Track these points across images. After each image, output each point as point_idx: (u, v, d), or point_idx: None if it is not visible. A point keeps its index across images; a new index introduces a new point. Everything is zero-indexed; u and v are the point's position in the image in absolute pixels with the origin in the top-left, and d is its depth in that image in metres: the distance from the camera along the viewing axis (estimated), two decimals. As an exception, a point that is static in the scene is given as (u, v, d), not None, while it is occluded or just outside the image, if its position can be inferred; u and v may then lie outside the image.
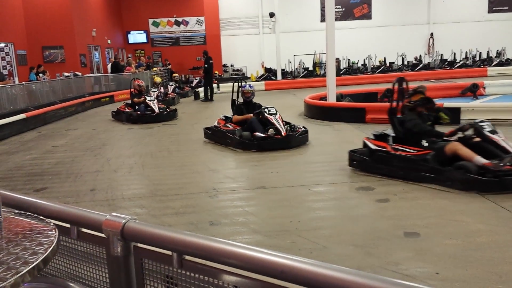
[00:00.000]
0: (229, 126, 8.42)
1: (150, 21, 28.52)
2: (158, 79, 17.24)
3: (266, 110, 8.24)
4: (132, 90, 13.16)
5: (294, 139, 7.94)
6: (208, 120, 11.72)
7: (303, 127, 8.36)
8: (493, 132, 5.27)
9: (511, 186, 4.76)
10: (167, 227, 1.68)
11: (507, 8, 29.06)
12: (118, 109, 13.06)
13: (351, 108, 10.74)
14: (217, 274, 1.37)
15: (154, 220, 4.58)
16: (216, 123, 8.82)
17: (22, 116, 11.86)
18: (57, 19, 19.70)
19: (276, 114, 8.16)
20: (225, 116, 8.97)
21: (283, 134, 7.85)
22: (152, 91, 15.17)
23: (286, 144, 7.76)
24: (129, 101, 14.33)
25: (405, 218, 4.30)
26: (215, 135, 8.70)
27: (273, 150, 7.54)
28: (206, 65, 17.20)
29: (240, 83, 9.17)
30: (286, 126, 8.17)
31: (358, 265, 3.34)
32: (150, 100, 12.50)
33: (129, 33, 28.53)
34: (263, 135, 7.79)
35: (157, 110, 12.19)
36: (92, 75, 20.98)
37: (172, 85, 18.51)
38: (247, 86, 8.87)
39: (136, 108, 12.49)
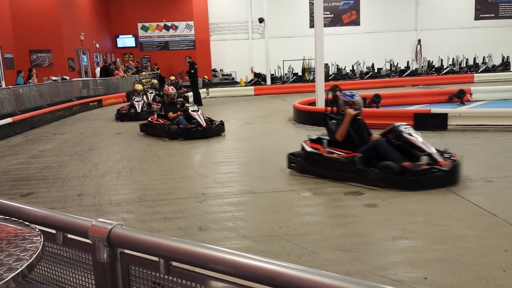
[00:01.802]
0: (336, 152, 5.91)
1: (139, 25, 28.48)
2: (139, 86, 14.87)
3: (402, 128, 5.82)
4: (164, 99, 11.34)
5: (458, 172, 5.49)
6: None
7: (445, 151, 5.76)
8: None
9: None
10: (154, 233, 1.67)
11: (493, 15, 29.53)
12: (149, 120, 10.70)
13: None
14: (204, 280, 1.36)
15: (142, 226, 4.54)
16: (308, 148, 6.16)
17: (8, 120, 11.73)
18: (45, 23, 19.58)
19: (416, 132, 5.84)
20: (317, 137, 6.32)
21: (441, 163, 5.37)
22: (136, 101, 13.83)
23: (452, 179, 5.39)
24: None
25: (393, 223, 4.33)
26: (319, 166, 6.00)
27: (436, 188, 5.23)
28: (192, 71, 17.26)
29: (335, 90, 6.44)
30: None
31: (347, 270, 3.34)
32: (193, 111, 10.04)
33: (118, 37, 28.44)
34: (418, 167, 5.28)
35: (203, 123, 9.82)
36: (80, 79, 20.86)
37: (152, 92, 15.90)
38: (356, 96, 6.14)
39: (172, 120, 10.25)
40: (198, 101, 17.29)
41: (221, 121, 10.39)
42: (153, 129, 10.38)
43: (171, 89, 11.00)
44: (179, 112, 10.23)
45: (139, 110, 13.58)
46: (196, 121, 9.85)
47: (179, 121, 9.94)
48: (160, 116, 10.68)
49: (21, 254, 1.25)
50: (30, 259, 1.22)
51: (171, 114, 10.28)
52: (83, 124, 13.66)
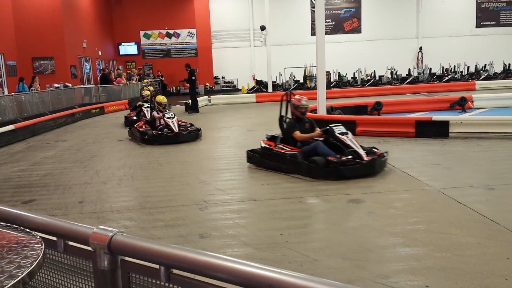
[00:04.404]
0: None
1: (142, 33, 28.63)
2: (163, 99, 11.50)
3: None
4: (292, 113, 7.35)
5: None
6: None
7: None
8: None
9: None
10: (155, 240, 1.67)
11: (494, 23, 29.62)
12: (265, 147, 7.13)
13: (342, 121, 10.76)
14: (205, 288, 1.36)
15: (143, 233, 4.54)
16: None
17: (10, 127, 11.75)
18: (47, 30, 19.68)
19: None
20: None
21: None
22: (168, 117, 10.42)
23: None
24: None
25: (394, 231, 4.31)
26: None
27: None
28: (193, 77, 17.37)
29: None
30: None
31: (348, 278, 3.33)
32: (341, 134, 6.68)
33: (120, 44, 28.58)
34: None
35: (364, 154, 6.36)
36: (82, 86, 20.95)
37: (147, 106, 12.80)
38: None
39: (298, 145, 6.91)
40: (195, 109, 17.40)
41: (374, 147, 6.82)
42: (277, 161, 6.88)
43: (300, 100, 7.28)
44: (318, 132, 6.86)
45: (176, 129, 10.19)
46: (352, 151, 6.40)
47: (318, 150, 6.54)
48: (276, 140, 7.22)
49: (21, 261, 1.25)
50: (31, 266, 1.22)
51: (298, 134, 6.95)
52: (85, 131, 13.67)
